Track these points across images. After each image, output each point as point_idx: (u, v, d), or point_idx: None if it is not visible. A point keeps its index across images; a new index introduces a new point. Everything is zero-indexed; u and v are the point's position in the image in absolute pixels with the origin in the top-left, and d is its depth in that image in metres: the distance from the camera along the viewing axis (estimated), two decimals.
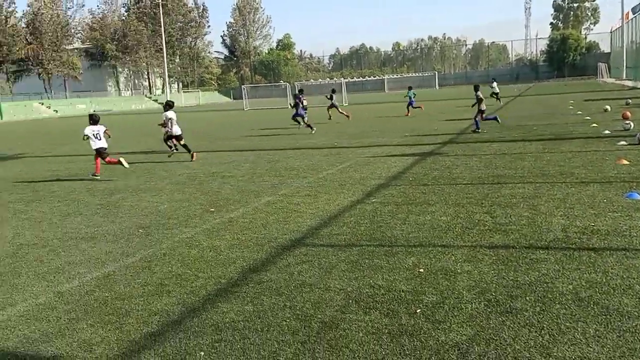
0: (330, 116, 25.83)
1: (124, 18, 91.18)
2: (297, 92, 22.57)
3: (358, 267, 4.85)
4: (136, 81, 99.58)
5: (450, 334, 3.47)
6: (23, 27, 75.94)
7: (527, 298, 3.96)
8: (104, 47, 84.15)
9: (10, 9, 73.40)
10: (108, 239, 6.46)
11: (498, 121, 17.08)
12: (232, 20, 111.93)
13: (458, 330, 3.51)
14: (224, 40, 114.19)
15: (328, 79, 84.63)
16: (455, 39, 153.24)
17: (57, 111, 70.33)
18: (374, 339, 3.46)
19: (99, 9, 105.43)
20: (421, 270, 4.67)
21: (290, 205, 7.61)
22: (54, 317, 4.17)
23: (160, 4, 78.63)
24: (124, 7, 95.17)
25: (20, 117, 62.68)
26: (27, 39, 74.75)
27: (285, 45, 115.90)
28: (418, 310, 3.85)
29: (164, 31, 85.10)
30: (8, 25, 71.76)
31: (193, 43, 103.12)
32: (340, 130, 19.93)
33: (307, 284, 4.52)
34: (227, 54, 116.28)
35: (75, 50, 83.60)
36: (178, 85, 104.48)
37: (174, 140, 14.63)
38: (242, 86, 61.20)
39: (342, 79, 62.57)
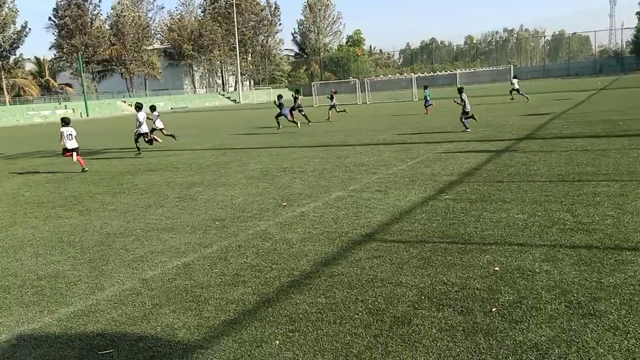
0: (329, 117, 27.30)
1: (200, 19, 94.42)
2: (294, 92, 26.05)
3: (430, 264, 4.80)
4: (210, 79, 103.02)
5: (528, 334, 3.37)
6: (107, 29, 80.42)
7: (612, 301, 3.76)
8: (181, 47, 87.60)
9: (95, 12, 77.93)
10: (186, 230, 6.75)
11: (466, 128, 16.27)
12: (302, 18, 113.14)
13: (537, 331, 3.40)
14: (294, 37, 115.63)
15: (398, 74, 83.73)
16: (532, 30, 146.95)
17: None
18: (448, 336, 3.42)
19: (177, 10, 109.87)
20: (497, 268, 4.55)
21: (360, 201, 7.63)
22: (139, 302, 4.43)
23: (235, 4, 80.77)
24: (200, 8, 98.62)
25: (104, 115, 66.66)
26: (110, 41, 79.12)
27: (355, 41, 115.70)
28: (494, 309, 3.76)
29: (237, 30, 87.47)
30: (93, 28, 76.22)
31: (265, 41, 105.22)
32: (411, 126, 19.69)
33: (379, 278, 4.53)
34: (297, 51, 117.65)
35: (155, 51, 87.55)
36: (250, 82, 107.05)
37: (150, 135, 16.52)
38: (312, 83, 61.78)
39: (412, 74, 61.71)
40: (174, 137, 17.99)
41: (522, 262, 4.67)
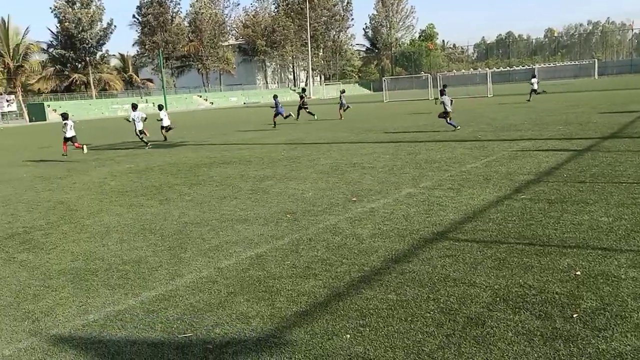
0: (341, 116, 27.58)
1: (273, 15, 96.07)
2: (301, 89, 27.33)
3: (506, 265, 4.65)
4: (282, 74, 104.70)
5: (612, 342, 3.20)
6: (186, 26, 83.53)
7: None
8: (255, 42, 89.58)
9: (175, 10, 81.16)
10: (259, 222, 6.92)
11: (455, 127, 17.00)
12: (375, 12, 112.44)
13: (622, 340, 3.22)
14: (365, 32, 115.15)
15: (472, 69, 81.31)
16: (619, 23, 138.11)
17: (212, 103, 76.65)
18: (525, 340, 3.31)
19: (252, 7, 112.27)
20: (578, 273, 4.35)
21: (431, 198, 7.51)
22: (215, 289, 4.60)
23: None
24: (273, 4, 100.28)
25: (181, 109, 69.49)
26: (189, 37, 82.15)
27: (427, 35, 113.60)
28: (575, 315, 3.60)
29: (310, 26, 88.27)
30: (173, 25, 79.42)
31: (336, 36, 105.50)
32: (485, 122, 19.10)
33: (451, 278, 4.45)
34: (369, 46, 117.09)
35: (230, 47, 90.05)
36: (320, 77, 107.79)
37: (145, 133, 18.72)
38: (383, 78, 61.30)
39: (487, 69, 59.76)
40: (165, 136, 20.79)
41: (606, 267, 4.44)
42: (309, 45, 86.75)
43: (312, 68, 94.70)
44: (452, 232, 5.83)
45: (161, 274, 5.11)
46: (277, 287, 4.55)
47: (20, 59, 67.11)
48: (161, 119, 20.57)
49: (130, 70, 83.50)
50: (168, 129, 20.81)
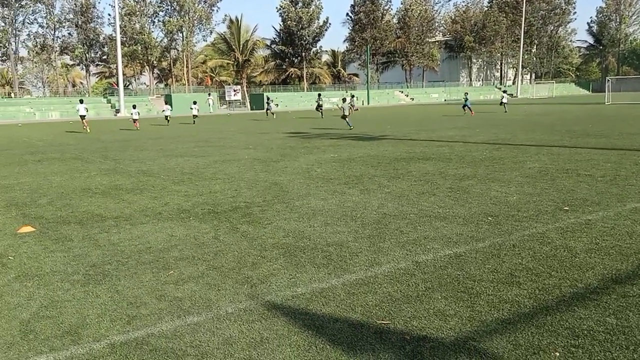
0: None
1: (485, 9, 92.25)
2: (350, 96, 32.83)
3: None
4: (488, 72, 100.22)
5: None
6: (395, 23, 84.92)
7: None
8: (462, 38, 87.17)
9: (386, 7, 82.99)
10: (458, 221, 6.77)
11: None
12: (603, 5, 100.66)
13: None
14: (589, 27, 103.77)
15: None
16: None
17: (413, 99, 76.97)
18: None
19: (463, 2, 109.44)
20: None
21: None
22: (413, 282, 4.64)
23: None
24: None
25: (382, 103, 71.18)
26: (396, 34, 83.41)
27: None
28: None
29: (524, 20, 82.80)
30: (383, 22, 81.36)
31: (554, 32, 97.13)
32: None
33: None
34: (591, 43, 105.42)
35: (436, 43, 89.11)
36: (530, 76, 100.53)
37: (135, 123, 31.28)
38: (606, 78, 54.73)
39: None
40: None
41: None
42: (522, 41, 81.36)
43: (522, 65, 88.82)
44: None
45: (361, 260, 5.32)
46: (477, 289, 4.40)
47: (248, 54, 75.65)
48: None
49: (339, 65, 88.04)
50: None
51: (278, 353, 3.48)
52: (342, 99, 27.17)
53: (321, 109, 38.65)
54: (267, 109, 40.97)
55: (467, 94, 36.54)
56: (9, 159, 16.09)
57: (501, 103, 38.09)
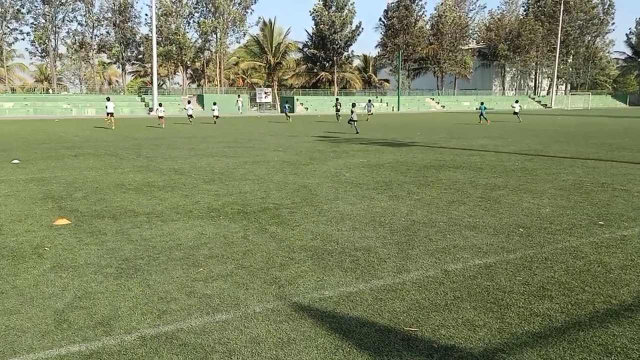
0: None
1: (521, 17, 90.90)
2: (335, 100, 37.22)
3: None
4: (522, 81, 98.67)
5: None
6: (428, 29, 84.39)
7: None
8: (496, 47, 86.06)
9: (420, 13, 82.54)
10: (489, 231, 6.69)
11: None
12: None
13: None
14: (628, 38, 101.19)
15: None
16: None
17: (444, 106, 76.32)
18: None
19: (498, 9, 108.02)
20: None
21: None
22: (441, 291, 4.60)
23: (563, 1, 75.16)
24: (523, 6, 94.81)
25: (412, 109, 70.74)
26: (429, 40, 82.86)
27: None
28: None
29: (561, 30, 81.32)
30: (416, 28, 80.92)
31: (591, 42, 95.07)
32: None
33: None
34: (630, 55, 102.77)
35: (469, 50, 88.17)
36: (566, 86, 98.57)
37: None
38: None
39: None
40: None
41: None
42: (558, 50, 79.84)
43: (557, 76, 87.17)
44: None
45: (389, 266, 5.30)
46: (507, 301, 4.34)
47: (280, 57, 76.17)
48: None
49: (370, 70, 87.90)
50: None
51: (305, 354, 3.50)
52: (352, 104, 27.48)
53: (339, 114, 40.64)
54: (285, 112, 42.36)
55: (483, 103, 37.06)
56: (46, 153, 16.55)
57: (514, 113, 38.41)
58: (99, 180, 10.99)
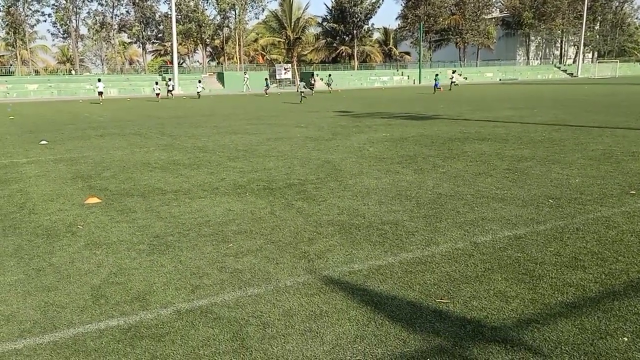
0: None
1: None
2: (311, 76, 39.33)
3: None
4: (547, 50, 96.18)
5: None
6: None
7: None
8: (521, 15, 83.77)
9: None
10: (517, 203, 6.61)
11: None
12: None
13: None
14: None
15: None
16: None
17: (466, 78, 74.95)
18: None
19: None
20: None
21: None
22: (472, 263, 4.59)
23: None
24: None
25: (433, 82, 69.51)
26: (451, 10, 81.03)
27: None
28: None
29: None
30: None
31: (619, 8, 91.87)
32: None
33: None
34: None
35: (492, 20, 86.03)
36: (593, 54, 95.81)
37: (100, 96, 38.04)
38: None
39: None
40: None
41: None
42: (584, 17, 77.36)
43: (584, 44, 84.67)
44: None
45: (417, 239, 5.30)
46: (539, 272, 4.31)
47: (299, 32, 75.43)
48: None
49: (391, 43, 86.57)
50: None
51: (338, 327, 3.53)
52: (300, 79, 29.95)
53: (310, 88, 41.58)
54: (301, 92, 35.30)
55: (438, 75, 40.86)
56: (73, 134, 16.81)
57: (451, 83, 41.49)
58: (125, 160, 11.14)
